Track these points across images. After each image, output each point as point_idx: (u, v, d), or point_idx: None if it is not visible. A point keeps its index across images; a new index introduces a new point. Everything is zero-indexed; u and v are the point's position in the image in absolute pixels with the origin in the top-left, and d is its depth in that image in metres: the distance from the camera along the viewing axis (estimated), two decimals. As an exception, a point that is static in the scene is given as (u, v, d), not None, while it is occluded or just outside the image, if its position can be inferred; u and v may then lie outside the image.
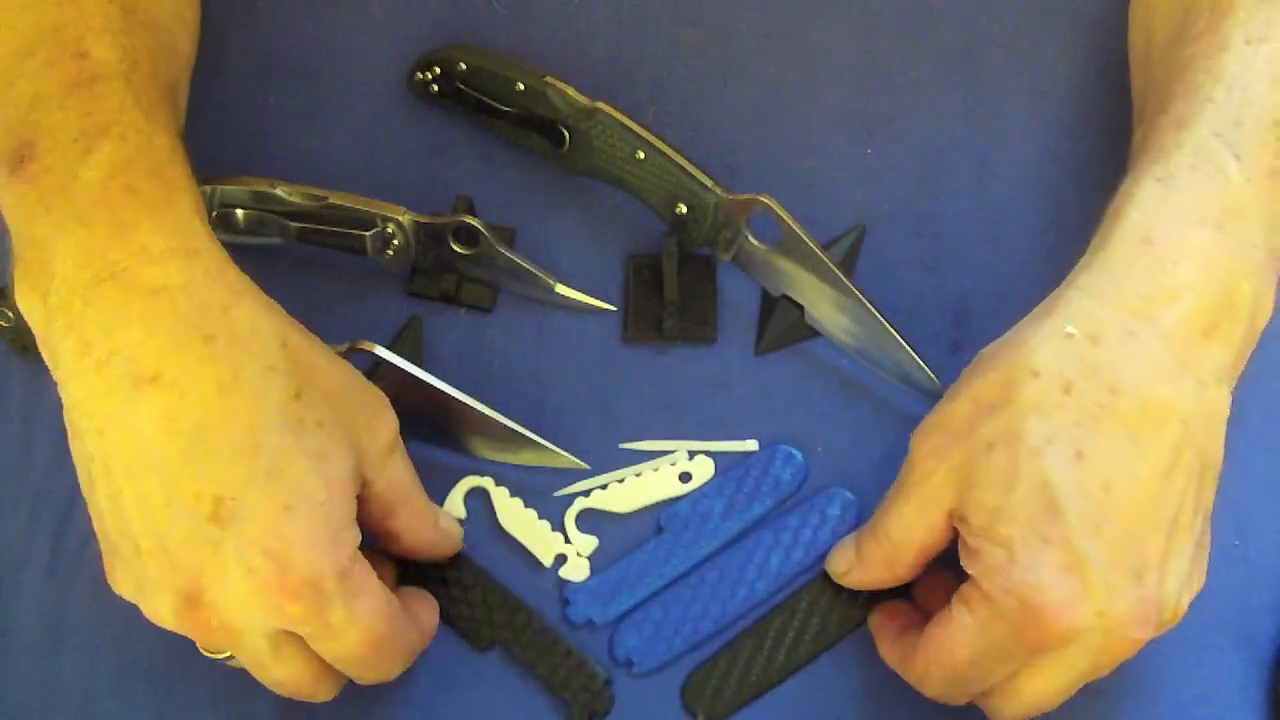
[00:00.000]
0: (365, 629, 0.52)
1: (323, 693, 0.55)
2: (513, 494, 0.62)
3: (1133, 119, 0.64)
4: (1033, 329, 0.53)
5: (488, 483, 0.62)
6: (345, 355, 0.59)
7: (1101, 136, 0.66)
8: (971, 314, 0.64)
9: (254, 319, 0.52)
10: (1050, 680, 0.52)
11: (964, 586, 0.52)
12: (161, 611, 0.51)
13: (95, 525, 0.53)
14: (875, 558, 0.56)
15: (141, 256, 0.51)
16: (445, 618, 0.60)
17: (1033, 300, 0.63)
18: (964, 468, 0.52)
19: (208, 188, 0.62)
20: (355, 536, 0.52)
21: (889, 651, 0.58)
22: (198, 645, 0.53)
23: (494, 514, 0.62)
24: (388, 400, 0.56)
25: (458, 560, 0.60)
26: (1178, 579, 0.51)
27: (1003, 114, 0.67)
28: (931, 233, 0.65)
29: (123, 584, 0.53)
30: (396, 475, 0.55)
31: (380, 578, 0.53)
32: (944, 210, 0.66)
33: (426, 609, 0.58)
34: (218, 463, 0.50)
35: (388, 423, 0.55)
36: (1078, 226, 0.65)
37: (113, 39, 0.54)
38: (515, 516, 0.61)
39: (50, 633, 0.60)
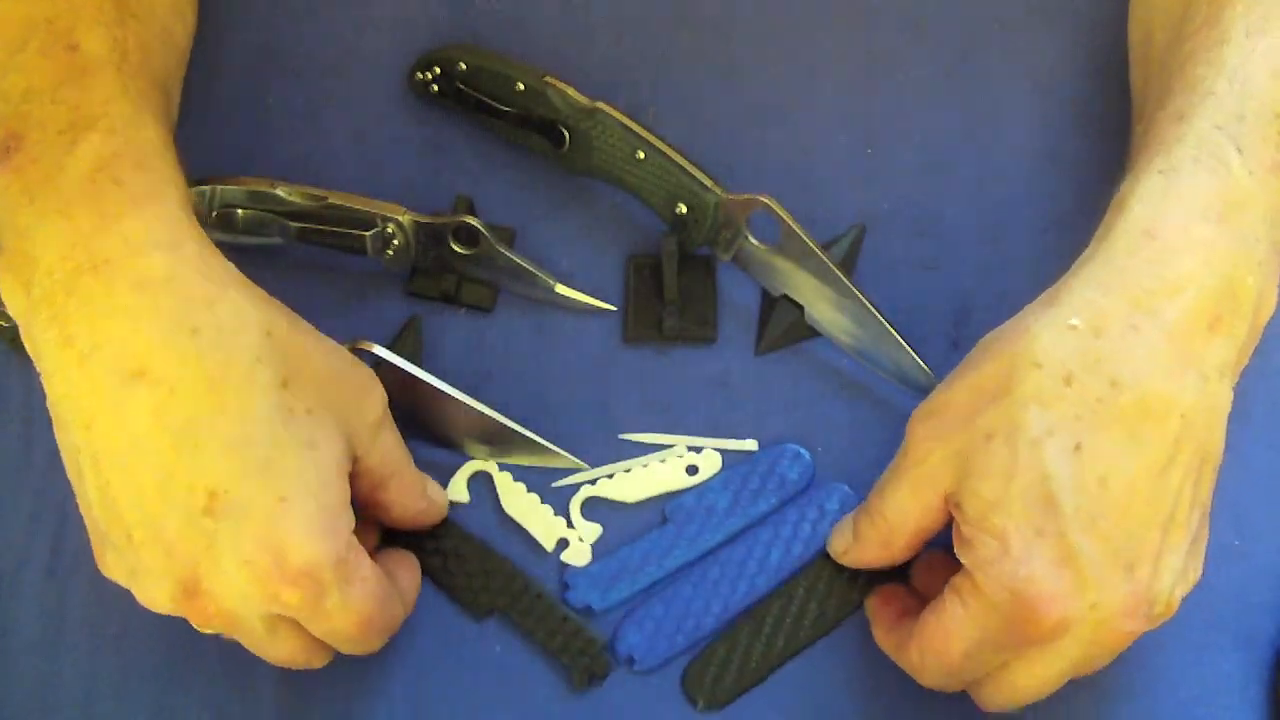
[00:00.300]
0: (358, 612, 0.52)
1: (317, 662, 0.55)
2: (515, 479, 0.62)
3: (1132, 117, 0.64)
4: (1035, 318, 0.52)
5: (491, 467, 0.62)
6: (345, 355, 0.59)
7: (1101, 136, 0.66)
8: (971, 314, 0.64)
9: (239, 310, 0.52)
10: (1041, 671, 0.52)
11: (956, 578, 0.52)
12: (158, 599, 0.52)
13: (83, 513, 0.53)
14: (870, 538, 0.56)
15: (125, 248, 0.51)
16: (443, 586, 0.60)
17: (1033, 300, 0.63)
18: (962, 455, 0.52)
19: (208, 188, 0.62)
20: (350, 521, 0.52)
21: (884, 638, 0.58)
22: (191, 623, 0.53)
23: (497, 498, 0.62)
24: (375, 376, 0.56)
25: (455, 531, 0.61)
26: (1171, 574, 0.51)
27: (1003, 114, 0.67)
28: (931, 233, 0.65)
29: (115, 570, 0.53)
30: (386, 450, 0.56)
31: (363, 543, 0.53)
32: (944, 210, 0.66)
33: (409, 573, 0.58)
34: (209, 456, 0.50)
35: (376, 399, 0.55)
36: (1078, 226, 0.65)
37: (105, 31, 0.54)
38: (518, 501, 0.62)
39: (50, 633, 0.60)
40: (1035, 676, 0.52)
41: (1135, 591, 0.50)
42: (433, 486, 0.59)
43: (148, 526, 0.50)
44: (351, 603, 0.52)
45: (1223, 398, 0.52)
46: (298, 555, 0.50)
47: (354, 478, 0.54)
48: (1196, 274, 0.52)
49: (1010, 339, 0.53)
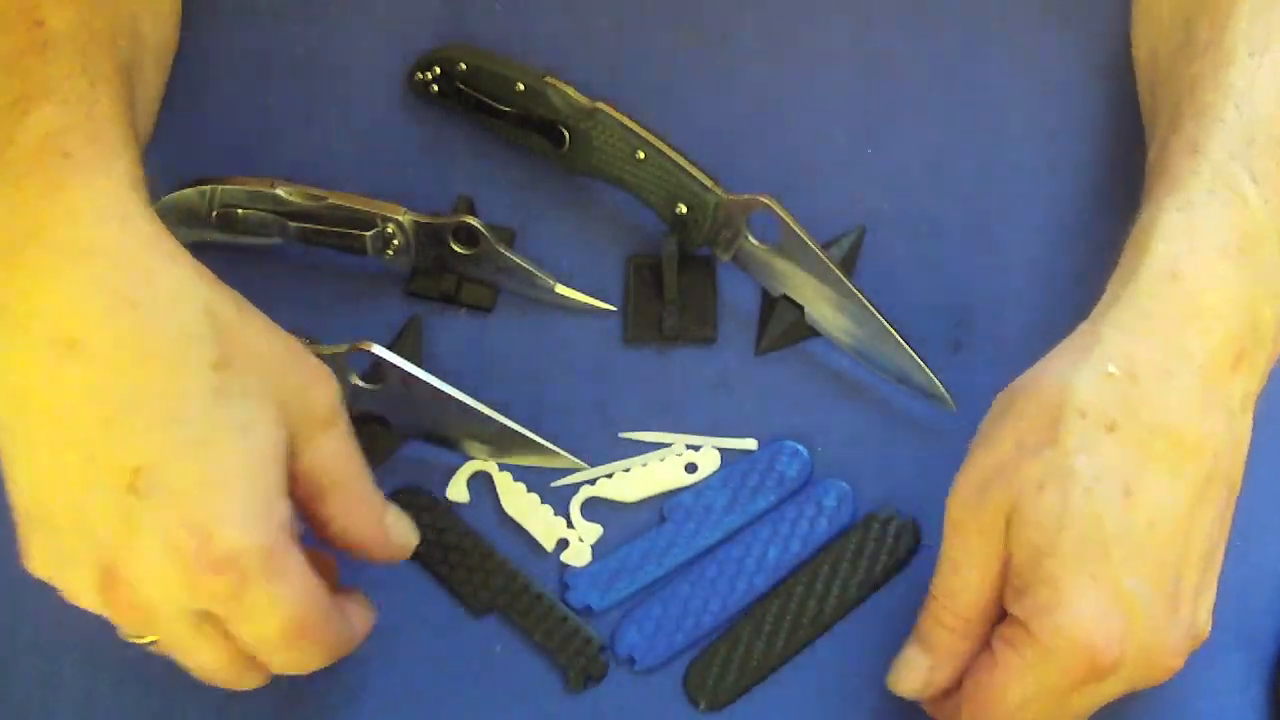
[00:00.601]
0: (287, 613, 0.50)
1: (249, 680, 0.53)
2: (515, 479, 0.62)
3: (1134, 120, 0.64)
4: (1071, 368, 0.52)
5: (491, 467, 0.62)
6: (345, 356, 0.59)
7: (1102, 137, 0.66)
8: (971, 314, 0.64)
9: (180, 286, 0.51)
10: (1079, 708, 0.52)
11: (1004, 628, 0.52)
12: (80, 588, 0.50)
13: (11, 498, 0.51)
14: (947, 644, 0.54)
15: (69, 219, 0.50)
16: (444, 582, 0.60)
17: (1033, 300, 0.64)
18: (1013, 509, 0.51)
19: (208, 188, 0.62)
20: (282, 513, 0.50)
21: (936, 709, 0.56)
22: (119, 631, 0.52)
23: (497, 498, 0.62)
24: (330, 373, 0.54)
25: (457, 524, 0.61)
26: (1207, 608, 0.52)
27: (1003, 114, 0.67)
28: (931, 233, 0.65)
29: (37, 560, 0.51)
30: (330, 455, 0.53)
31: (320, 573, 0.51)
32: (944, 210, 0.66)
33: (361, 613, 0.55)
34: (137, 433, 0.48)
35: (325, 395, 0.53)
36: (1078, 227, 0.65)
37: (71, 11, 0.54)
38: (518, 501, 0.62)
39: (50, 633, 0.60)
40: (1073, 713, 0.52)
41: (1180, 629, 0.51)
42: (395, 519, 0.56)
43: (72, 509, 0.49)
44: (278, 600, 0.49)
45: (1246, 429, 0.53)
46: (221, 540, 0.48)
47: (292, 480, 0.52)
48: (1221, 311, 0.52)
49: (1048, 390, 0.52)
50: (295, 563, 0.50)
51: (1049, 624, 0.50)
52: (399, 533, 0.56)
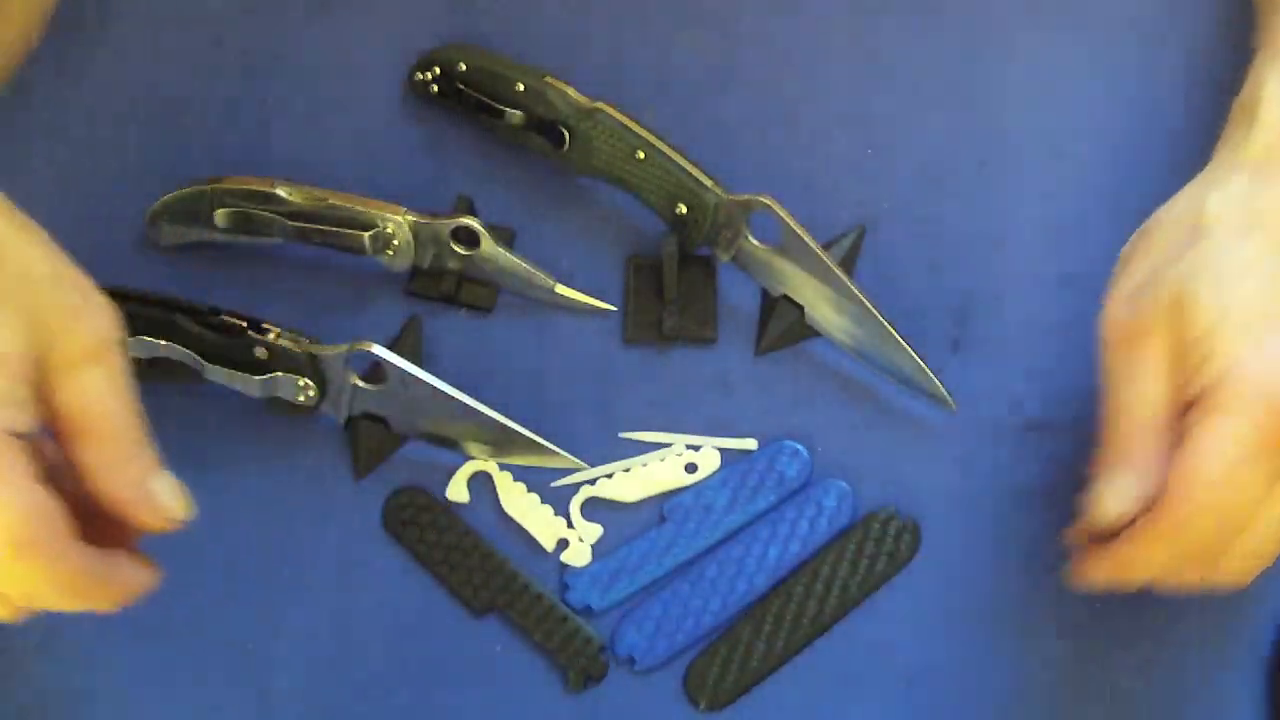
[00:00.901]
0: (2, 520, 0.46)
1: None
2: (515, 479, 0.62)
3: (1134, 120, 0.65)
4: (1203, 192, 0.55)
5: (491, 467, 0.62)
6: (345, 355, 0.59)
7: (1102, 136, 0.66)
8: (972, 314, 0.64)
9: None
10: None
11: (1191, 413, 0.52)
12: None
13: None
14: (1143, 454, 0.53)
15: None
16: (444, 582, 0.61)
17: (1033, 300, 0.64)
18: (1173, 299, 0.53)
19: (208, 188, 0.62)
20: (9, 420, 0.46)
21: (1105, 557, 0.55)
22: None
23: (497, 498, 0.62)
24: (110, 311, 0.50)
25: (456, 524, 0.61)
26: None
27: (1003, 114, 0.67)
28: (931, 233, 0.65)
29: None
30: (90, 391, 0.49)
31: (103, 527, 0.48)
32: (944, 210, 0.66)
33: (133, 569, 0.50)
34: None
35: (94, 326, 0.49)
36: (1078, 227, 0.65)
37: None
38: (518, 501, 0.62)
39: (50, 633, 0.60)
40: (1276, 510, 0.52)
41: None
42: (163, 485, 0.50)
43: None
44: None
45: None
46: None
47: (52, 416, 0.48)
48: None
49: (1183, 210, 0.55)
50: (18, 470, 0.46)
51: (1233, 382, 0.51)
52: (165, 502, 0.50)
